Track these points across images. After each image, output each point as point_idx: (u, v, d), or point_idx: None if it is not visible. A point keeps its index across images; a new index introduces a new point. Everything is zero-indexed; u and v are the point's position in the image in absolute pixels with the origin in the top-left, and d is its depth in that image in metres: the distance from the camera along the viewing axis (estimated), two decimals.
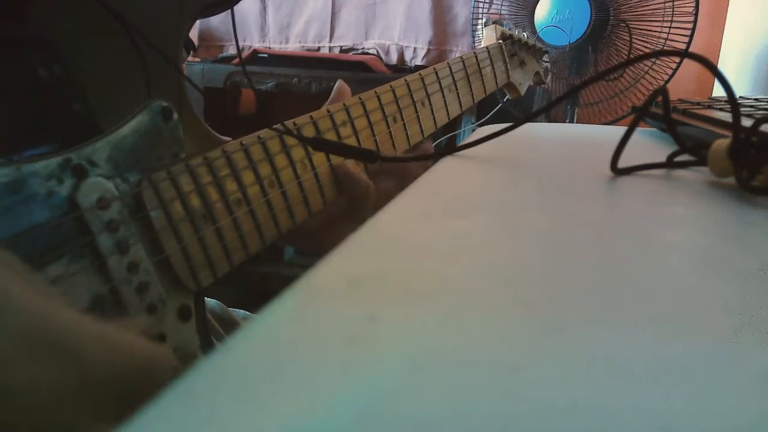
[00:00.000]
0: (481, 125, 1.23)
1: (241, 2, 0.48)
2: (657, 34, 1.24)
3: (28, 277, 0.23)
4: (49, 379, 0.20)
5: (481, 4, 1.35)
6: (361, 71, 1.53)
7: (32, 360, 0.20)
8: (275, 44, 1.78)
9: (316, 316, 0.16)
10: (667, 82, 1.25)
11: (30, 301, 0.21)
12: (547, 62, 0.81)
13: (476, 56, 0.64)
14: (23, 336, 0.20)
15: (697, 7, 1.21)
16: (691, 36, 1.21)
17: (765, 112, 0.45)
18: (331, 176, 0.45)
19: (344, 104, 0.47)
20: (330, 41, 1.76)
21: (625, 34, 1.25)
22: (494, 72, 0.68)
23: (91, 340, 0.22)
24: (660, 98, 0.36)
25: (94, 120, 0.34)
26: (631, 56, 1.24)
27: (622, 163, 0.34)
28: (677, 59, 1.21)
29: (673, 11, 1.23)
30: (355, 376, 0.13)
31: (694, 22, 1.21)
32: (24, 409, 0.19)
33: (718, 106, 0.47)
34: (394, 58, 1.72)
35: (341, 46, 1.76)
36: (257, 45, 1.78)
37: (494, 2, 1.35)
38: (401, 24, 1.71)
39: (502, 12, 1.33)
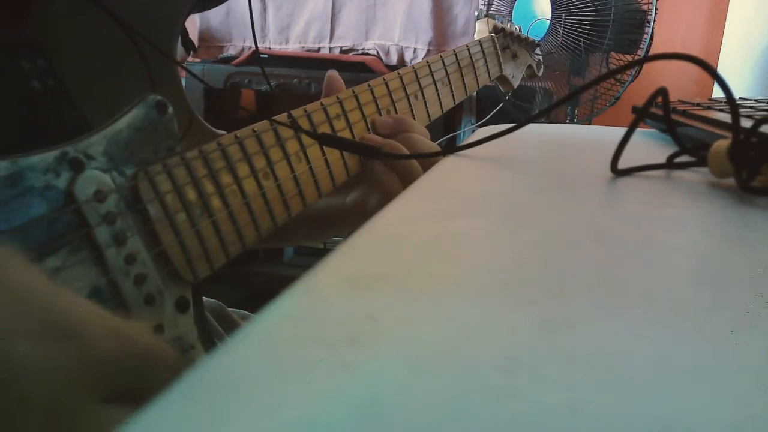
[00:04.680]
0: (481, 126, 1.24)
1: (240, 2, 0.48)
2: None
3: (33, 267, 0.23)
4: (52, 358, 0.21)
5: (488, 5, 1.36)
6: (362, 72, 1.53)
7: (36, 339, 0.20)
8: (275, 45, 1.78)
9: (316, 316, 0.16)
10: (628, 83, 1.27)
11: (35, 285, 0.22)
12: (540, 54, 0.81)
13: (469, 50, 0.64)
14: (28, 316, 0.21)
15: (655, 5, 1.22)
16: (651, 35, 1.23)
17: (765, 113, 0.45)
18: (327, 170, 0.46)
19: (337, 97, 0.47)
20: (330, 42, 1.76)
21: (637, 38, 1.26)
22: (487, 65, 0.68)
23: (94, 323, 0.22)
24: (660, 99, 0.36)
25: (87, 128, 0.34)
26: (646, 52, 1.24)
27: (622, 163, 0.34)
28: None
29: (647, 10, 1.24)
30: (355, 376, 0.13)
31: (652, 20, 1.23)
32: (26, 386, 0.20)
33: (718, 107, 0.47)
34: (394, 59, 1.72)
35: (341, 47, 1.76)
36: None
37: (494, 2, 1.35)
38: (401, 25, 1.71)
39: (503, 13, 1.33)
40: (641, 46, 1.26)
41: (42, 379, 0.20)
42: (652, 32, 1.23)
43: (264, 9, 1.77)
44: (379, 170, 0.47)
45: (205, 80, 1.53)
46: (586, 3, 1.23)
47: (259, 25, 1.78)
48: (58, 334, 0.21)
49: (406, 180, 0.46)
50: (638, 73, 1.29)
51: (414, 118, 0.54)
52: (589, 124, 1.38)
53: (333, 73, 0.51)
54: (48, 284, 0.22)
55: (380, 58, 1.70)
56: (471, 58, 0.64)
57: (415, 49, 1.70)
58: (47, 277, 0.24)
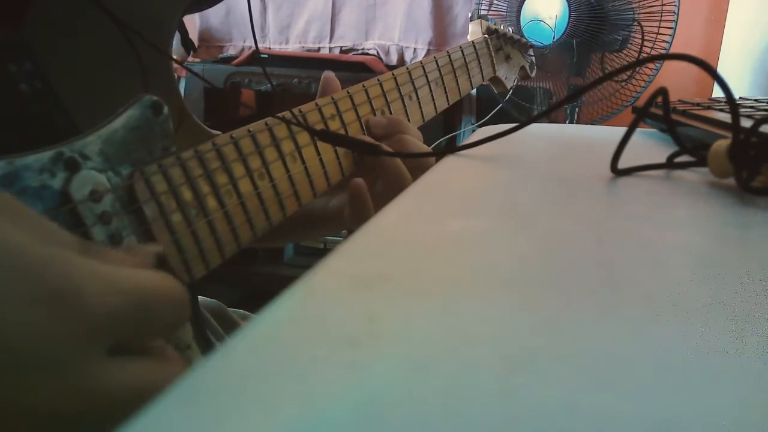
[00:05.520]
0: (481, 126, 1.23)
1: (240, 1, 0.48)
2: (649, 35, 1.25)
3: (31, 220, 0.23)
4: (48, 319, 0.20)
5: (481, 5, 1.36)
6: (361, 72, 1.53)
7: (32, 303, 0.20)
8: (275, 45, 1.78)
9: (316, 316, 0.16)
10: (650, 81, 1.26)
11: (27, 245, 0.21)
12: (532, 56, 0.82)
13: (462, 51, 0.64)
14: (21, 280, 0.20)
15: (678, 6, 1.22)
16: (673, 35, 1.22)
17: (764, 112, 0.45)
18: (321, 170, 0.46)
19: (332, 97, 0.47)
20: (330, 42, 1.76)
21: (630, 35, 1.26)
22: (480, 66, 0.68)
23: (93, 278, 0.22)
24: (660, 99, 0.36)
25: (75, 131, 0.34)
26: (639, 55, 1.24)
27: (622, 163, 0.34)
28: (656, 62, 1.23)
29: (662, 10, 1.23)
30: (355, 376, 0.13)
31: (675, 21, 1.22)
32: (25, 352, 0.20)
33: (718, 107, 0.47)
34: (394, 59, 1.72)
35: (341, 47, 1.76)
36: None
37: (494, 3, 1.35)
38: (401, 24, 1.71)
39: (504, 12, 1.33)
40: (632, 44, 1.27)
41: (39, 340, 0.20)
42: (674, 31, 1.23)
43: (264, 9, 1.77)
44: (360, 190, 0.46)
45: (205, 80, 1.53)
46: (589, 3, 1.23)
47: (259, 24, 1.78)
48: (55, 293, 0.20)
49: (396, 187, 0.46)
50: (635, 74, 1.29)
51: (408, 119, 0.55)
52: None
53: (329, 74, 0.51)
54: (43, 241, 0.22)
55: (380, 58, 1.70)
56: (464, 59, 0.65)
57: (415, 49, 1.70)
58: (48, 229, 0.23)
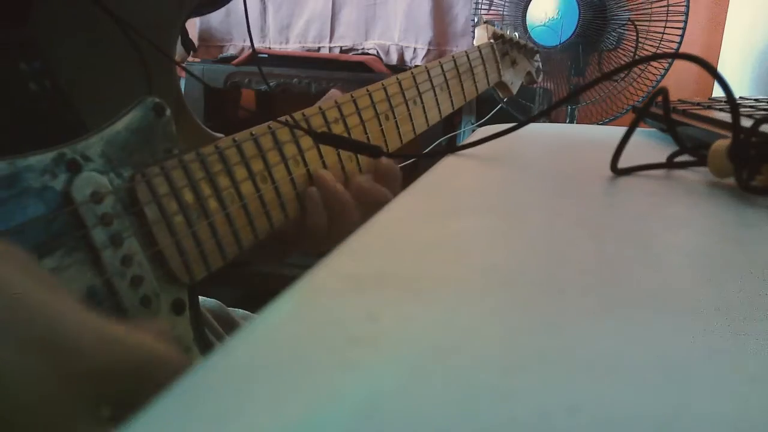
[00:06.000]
0: (481, 125, 1.23)
1: (239, 1, 0.48)
2: (654, 34, 1.25)
3: (29, 268, 0.22)
4: (41, 370, 0.20)
5: (480, 5, 1.35)
6: (361, 72, 1.53)
7: (25, 350, 0.19)
8: (275, 44, 1.78)
9: (316, 316, 0.16)
10: (658, 81, 1.26)
11: (25, 290, 0.21)
12: (539, 61, 0.82)
13: (468, 56, 0.64)
14: (15, 325, 0.20)
15: (687, 6, 1.22)
16: (682, 35, 1.22)
17: (765, 112, 0.45)
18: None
19: (336, 101, 0.47)
20: (330, 41, 1.76)
21: (624, 34, 1.26)
22: (486, 71, 0.68)
23: (89, 332, 0.21)
24: (660, 98, 0.36)
25: (84, 130, 0.34)
26: (634, 55, 1.24)
27: (623, 163, 0.34)
28: (668, 60, 1.22)
29: (668, 10, 1.23)
30: (355, 376, 0.13)
31: (685, 21, 1.22)
32: (15, 400, 0.19)
33: (718, 107, 0.47)
34: (394, 59, 1.72)
35: (341, 47, 1.76)
36: (257, 45, 1.78)
37: (494, 3, 1.35)
38: (401, 24, 1.71)
39: (501, 12, 1.33)
40: (626, 40, 1.27)
41: (29, 392, 0.19)
42: (684, 32, 1.22)
43: (264, 9, 1.77)
44: (313, 205, 0.45)
45: (204, 80, 1.53)
46: (592, 3, 1.23)
47: (258, 24, 1.78)
48: (48, 340, 0.20)
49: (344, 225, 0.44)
50: (630, 72, 1.29)
51: (412, 123, 0.54)
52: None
53: (336, 93, 0.50)
54: (41, 288, 0.21)
55: (380, 58, 1.70)
56: (470, 64, 0.65)
57: (415, 48, 1.70)
58: (47, 278, 0.23)
